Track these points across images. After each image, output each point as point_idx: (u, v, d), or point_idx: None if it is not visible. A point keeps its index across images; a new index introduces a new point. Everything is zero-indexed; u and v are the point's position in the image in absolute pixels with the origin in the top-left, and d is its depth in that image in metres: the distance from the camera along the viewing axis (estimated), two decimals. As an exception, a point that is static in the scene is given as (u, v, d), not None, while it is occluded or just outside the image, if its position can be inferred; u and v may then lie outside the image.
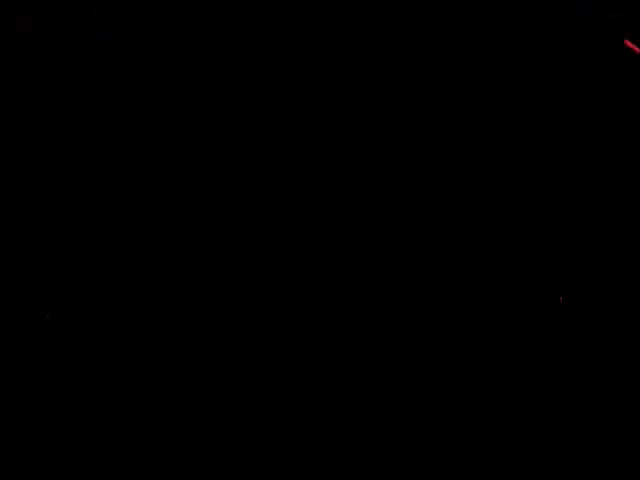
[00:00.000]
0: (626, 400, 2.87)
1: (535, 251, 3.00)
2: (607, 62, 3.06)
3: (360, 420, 2.90)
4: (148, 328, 2.98)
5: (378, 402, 2.91)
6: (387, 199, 3.08)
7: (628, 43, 2.71)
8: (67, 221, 3.05)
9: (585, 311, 2.94)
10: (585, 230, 3.00)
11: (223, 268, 3.04)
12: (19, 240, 3.03)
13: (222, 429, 2.89)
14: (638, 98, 3.04)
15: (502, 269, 3.00)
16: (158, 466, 2.85)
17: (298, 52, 3.16)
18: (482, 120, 3.09)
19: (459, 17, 3.13)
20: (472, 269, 3.00)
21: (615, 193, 3.02)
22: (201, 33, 3.20)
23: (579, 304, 2.94)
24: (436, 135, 3.10)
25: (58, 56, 3.09)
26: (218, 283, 3.03)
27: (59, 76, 3.09)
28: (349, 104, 3.14)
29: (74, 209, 3.06)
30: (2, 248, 3.02)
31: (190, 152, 3.13)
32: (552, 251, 3.00)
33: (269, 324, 2.99)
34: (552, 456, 2.84)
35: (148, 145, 3.12)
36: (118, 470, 2.84)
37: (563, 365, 2.91)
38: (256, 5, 3.18)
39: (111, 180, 3.10)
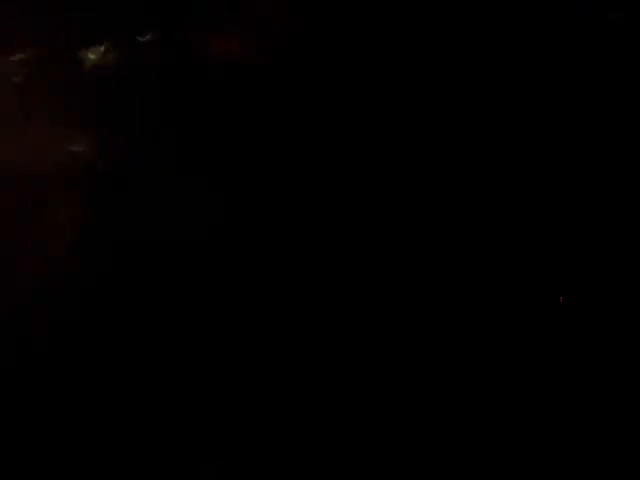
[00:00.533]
0: (626, 400, 2.87)
1: (535, 251, 3.01)
2: (607, 62, 3.06)
3: (360, 415, 2.90)
4: (148, 328, 2.98)
5: (378, 400, 2.91)
6: (388, 199, 3.08)
7: None
8: (66, 221, 3.05)
9: (585, 311, 2.94)
10: (585, 230, 3.01)
11: (222, 268, 3.04)
12: (19, 241, 3.04)
13: (222, 429, 2.90)
14: (637, 97, 3.05)
15: (502, 269, 3.00)
16: (158, 465, 2.85)
17: (298, 52, 3.17)
18: (482, 120, 3.09)
19: (460, 17, 3.13)
20: (472, 269, 3.00)
21: (615, 193, 3.02)
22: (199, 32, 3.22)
23: (579, 304, 2.94)
24: (437, 135, 3.11)
25: None
26: (217, 282, 3.03)
27: None
28: (350, 104, 3.14)
29: (73, 209, 3.07)
30: (3, 249, 3.03)
31: (189, 150, 3.14)
32: (552, 251, 3.00)
33: (271, 321, 2.99)
34: (552, 455, 2.83)
35: (148, 144, 3.13)
36: (118, 469, 2.84)
37: (563, 365, 2.91)
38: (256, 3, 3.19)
39: (109, 180, 3.11)
